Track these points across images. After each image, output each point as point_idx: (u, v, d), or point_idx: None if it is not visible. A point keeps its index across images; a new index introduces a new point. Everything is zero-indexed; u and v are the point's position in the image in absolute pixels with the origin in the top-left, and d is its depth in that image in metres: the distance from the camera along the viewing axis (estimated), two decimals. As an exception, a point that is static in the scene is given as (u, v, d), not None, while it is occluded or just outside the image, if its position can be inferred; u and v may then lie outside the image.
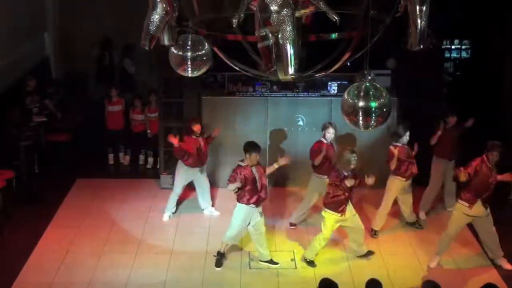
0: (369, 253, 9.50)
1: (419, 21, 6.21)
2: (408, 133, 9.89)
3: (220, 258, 9.29)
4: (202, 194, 10.84)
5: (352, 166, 8.97)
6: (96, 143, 13.10)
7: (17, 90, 12.83)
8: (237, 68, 6.96)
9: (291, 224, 10.47)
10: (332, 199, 9.01)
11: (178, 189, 10.72)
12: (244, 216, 9.07)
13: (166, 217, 10.70)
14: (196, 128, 10.38)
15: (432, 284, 6.79)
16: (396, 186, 10.01)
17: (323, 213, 9.16)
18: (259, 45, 5.98)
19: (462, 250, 9.64)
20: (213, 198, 11.06)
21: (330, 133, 10.03)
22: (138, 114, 12.74)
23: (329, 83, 11.47)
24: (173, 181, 11.02)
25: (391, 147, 9.91)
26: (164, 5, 6.40)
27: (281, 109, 11.63)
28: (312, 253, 9.28)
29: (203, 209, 10.87)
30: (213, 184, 11.33)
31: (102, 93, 13.88)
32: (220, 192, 11.52)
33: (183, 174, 10.64)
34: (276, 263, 9.32)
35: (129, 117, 12.85)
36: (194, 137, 10.42)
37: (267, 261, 9.33)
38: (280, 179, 11.75)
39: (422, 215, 10.73)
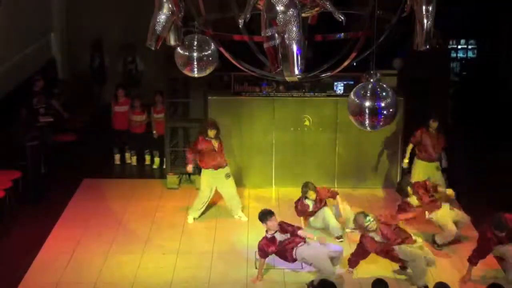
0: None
1: (425, 21, 6.21)
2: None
3: None
4: (228, 200, 10.70)
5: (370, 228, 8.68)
6: (103, 143, 13.13)
7: (24, 91, 12.88)
8: (243, 68, 6.96)
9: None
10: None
11: (201, 193, 10.58)
12: None
13: (190, 219, 10.60)
14: (211, 133, 10.33)
15: (443, 286, 6.78)
16: None
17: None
18: (265, 45, 5.98)
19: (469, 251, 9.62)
20: (214, 199, 10.95)
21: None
22: (137, 115, 12.70)
23: (335, 83, 11.46)
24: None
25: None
26: (170, 5, 6.40)
27: (287, 109, 11.62)
28: None
29: (233, 215, 10.71)
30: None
31: (103, 94, 13.95)
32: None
33: (205, 179, 10.56)
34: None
35: (127, 118, 12.73)
36: (208, 139, 10.36)
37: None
38: (284, 180, 11.73)
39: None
